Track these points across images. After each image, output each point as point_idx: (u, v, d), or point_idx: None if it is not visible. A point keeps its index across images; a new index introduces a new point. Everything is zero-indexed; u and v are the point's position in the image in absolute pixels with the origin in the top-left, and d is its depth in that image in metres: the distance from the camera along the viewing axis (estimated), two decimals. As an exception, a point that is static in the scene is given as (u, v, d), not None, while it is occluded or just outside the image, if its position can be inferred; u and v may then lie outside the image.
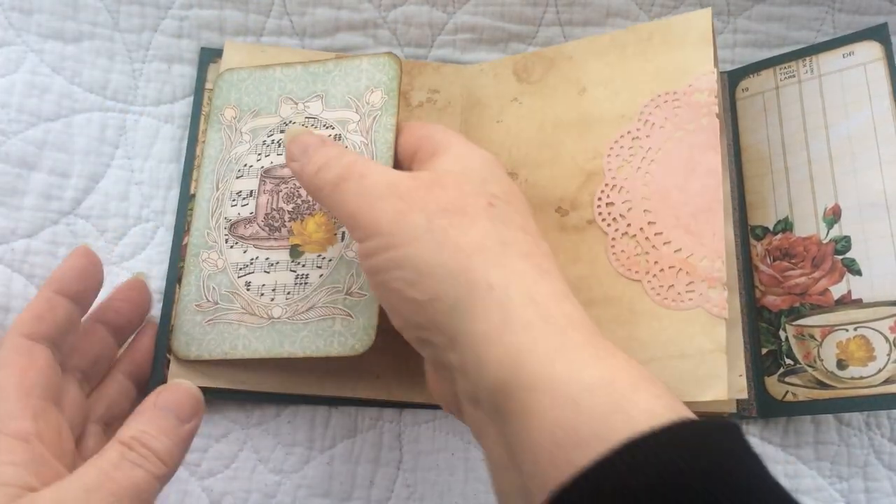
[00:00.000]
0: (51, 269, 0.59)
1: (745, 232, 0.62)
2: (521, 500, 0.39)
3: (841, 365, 0.56)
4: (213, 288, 0.58)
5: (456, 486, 0.57)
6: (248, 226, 0.59)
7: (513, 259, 0.43)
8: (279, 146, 0.60)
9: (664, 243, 0.55)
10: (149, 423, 0.47)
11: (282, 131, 0.60)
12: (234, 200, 0.60)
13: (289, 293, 0.57)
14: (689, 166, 0.55)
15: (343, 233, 0.57)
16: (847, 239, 0.58)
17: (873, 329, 0.56)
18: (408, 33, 0.67)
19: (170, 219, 0.63)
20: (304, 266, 0.57)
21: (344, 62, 0.61)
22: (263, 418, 0.60)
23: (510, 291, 0.41)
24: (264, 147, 0.60)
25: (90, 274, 0.53)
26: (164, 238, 0.62)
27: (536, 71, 0.62)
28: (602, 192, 0.57)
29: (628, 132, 0.58)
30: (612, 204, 0.57)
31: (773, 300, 0.60)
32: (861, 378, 0.56)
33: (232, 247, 0.59)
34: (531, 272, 0.42)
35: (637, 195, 0.56)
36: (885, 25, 0.62)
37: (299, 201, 0.59)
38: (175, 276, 0.61)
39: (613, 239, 0.56)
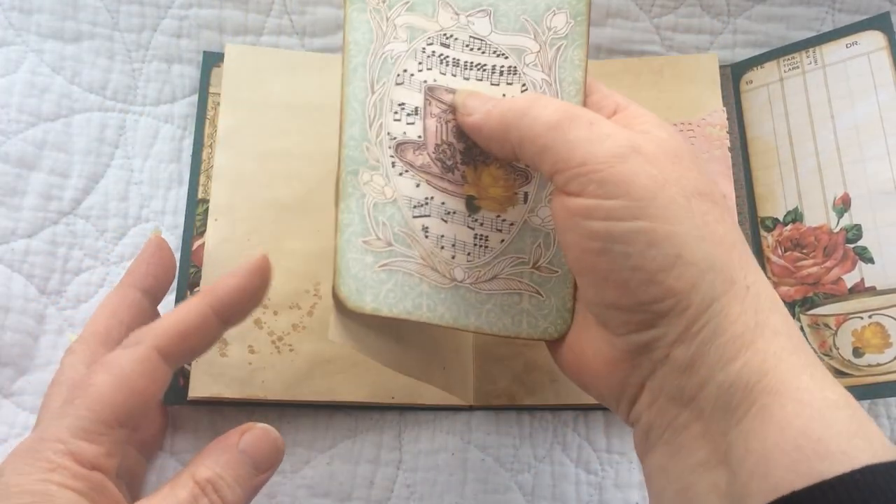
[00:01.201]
0: (51, 269, 0.59)
1: (756, 224, 0.63)
2: (717, 499, 0.38)
3: (857, 353, 0.57)
4: (384, 223, 0.47)
5: (456, 486, 0.57)
6: (417, 152, 0.48)
7: (752, 259, 0.41)
8: (442, 63, 0.49)
9: None
10: (226, 467, 0.43)
11: (443, 44, 0.49)
12: (396, 113, 0.48)
13: (469, 254, 0.48)
14: None
15: (525, 194, 0.49)
16: (858, 227, 0.59)
17: (889, 316, 0.57)
18: (408, 33, 0.67)
19: (170, 219, 0.62)
20: (482, 225, 0.49)
21: None
22: (264, 418, 0.59)
23: (761, 296, 0.40)
24: (424, 57, 0.49)
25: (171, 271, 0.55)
26: (164, 238, 0.62)
27: None
28: None
29: None
30: None
31: (786, 290, 0.61)
32: (878, 365, 0.56)
33: (401, 174, 0.48)
34: (764, 277, 0.41)
35: None
36: (887, 15, 0.62)
37: (470, 142, 0.49)
38: (186, 282, 0.58)
39: None
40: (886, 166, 0.59)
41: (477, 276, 0.48)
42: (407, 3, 0.49)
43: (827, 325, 0.58)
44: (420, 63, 0.48)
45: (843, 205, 0.60)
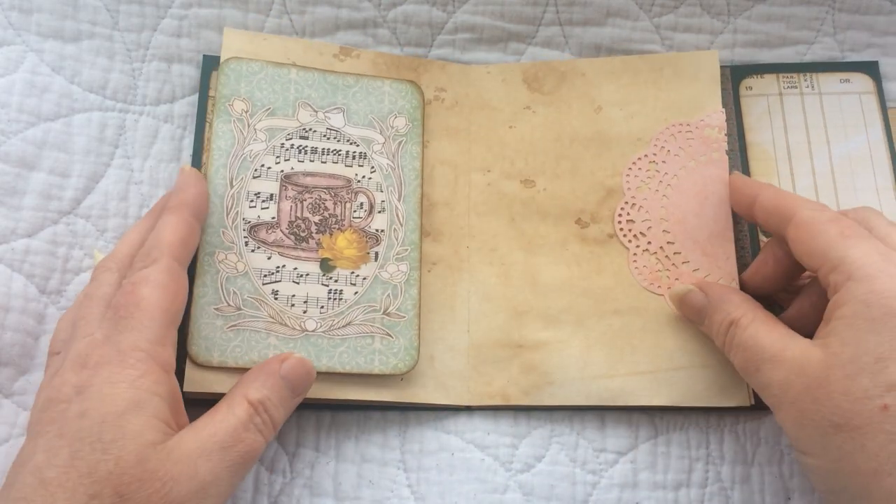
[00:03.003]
0: (51, 268, 0.59)
1: (755, 226, 0.63)
2: None
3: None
4: (235, 292, 0.57)
5: (456, 486, 0.57)
6: (270, 231, 0.58)
7: None
8: (300, 152, 0.60)
9: (683, 262, 0.59)
10: (272, 390, 0.50)
11: (302, 136, 0.60)
12: (252, 201, 0.59)
13: (322, 307, 0.57)
14: (703, 194, 0.60)
15: (376, 253, 0.59)
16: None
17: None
18: (407, 32, 0.67)
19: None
20: (336, 281, 0.58)
21: (365, 80, 0.62)
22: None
23: None
24: (283, 150, 0.60)
25: (207, 197, 0.57)
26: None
27: (548, 82, 0.65)
28: (622, 209, 0.61)
29: (645, 155, 0.62)
30: (632, 221, 0.60)
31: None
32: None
33: (254, 251, 0.58)
34: None
35: (656, 215, 0.60)
36: (876, 63, 0.67)
37: (326, 214, 0.59)
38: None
39: (635, 254, 0.60)
40: (875, 201, 0.62)
41: (331, 325, 0.57)
42: (268, 109, 0.60)
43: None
44: (278, 157, 0.60)
45: (839, 226, 0.61)
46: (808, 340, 0.48)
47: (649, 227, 0.60)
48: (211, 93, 0.63)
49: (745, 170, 0.63)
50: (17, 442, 0.55)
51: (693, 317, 0.56)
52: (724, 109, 0.62)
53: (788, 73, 0.66)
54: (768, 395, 0.48)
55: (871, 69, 0.66)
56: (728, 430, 0.59)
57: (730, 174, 0.60)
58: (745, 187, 0.57)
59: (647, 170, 0.61)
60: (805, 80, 0.66)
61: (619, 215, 0.61)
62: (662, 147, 0.62)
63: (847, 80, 0.66)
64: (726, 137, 0.61)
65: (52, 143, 0.61)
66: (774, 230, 0.54)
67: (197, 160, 0.62)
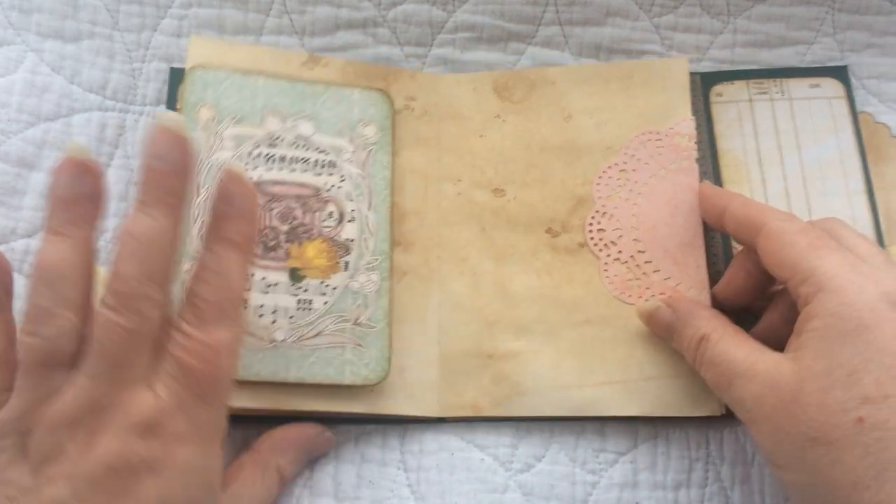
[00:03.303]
0: (50, 269, 0.59)
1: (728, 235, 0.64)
2: None
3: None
4: None
5: (456, 486, 0.57)
6: None
7: (892, 485, 0.42)
8: (267, 160, 0.59)
9: (654, 271, 0.59)
10: (300, 464, 0.57)
11: (270, 145, 0.59)
12: None
13: (292, 317, 0.56)
14: (673, 203, 0.60)
15: (346, 262, 0.58)
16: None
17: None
18: (407, 32, 0.67)
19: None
20: (306, 291, 0.57)
21: (333, 89, 0.62)
22: (266, 419, 0.60)
23: None
24: (251, 159, 0.59)
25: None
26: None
27: (518, 91, 0.65)
28: (593, 217, 0.61)
29: (615, 164, 0.62)
30: (602, 230, 0.60)
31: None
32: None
33: None
34: None
35: (626, 224, 0.60)
36: (845, 68, 0.67)
37: (295, 223, 0.58)
38: None
39: (606, 263, 0.60)
40: (847, 205, 0.62)
41: (301, 335, 0.56)
42: (235, 117, 0.59)
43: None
44: (245, 164, 0.58)
45: (810, 230, 0.61)
46: (779, 354, 0.48)
47: (620, 236, 0.60)
48: (178, 105, 0.63)
49: (717, 177, 0.64)
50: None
51: (661, 333, 0.56)
52: (693, 117, 0.62)
53: (758, 80, 0.66)
54: (742, 410, 0.48)
55: (840, 74, 0.66)
56: (728, 431, 0.59)
57: (699, 183, 0.60)
58: (715, 198, 0.57)
59: (618, 178, 0.61)
60: (775, 86, 0.66)
61: (590, 224, 0.60)
62: (633, 155, 0.61)
63: (817, 86, 0.66)
64: (696, 146, 0.61)
65: (52, 143, 0.61)
66: (745, 241, 0.54)
67: None
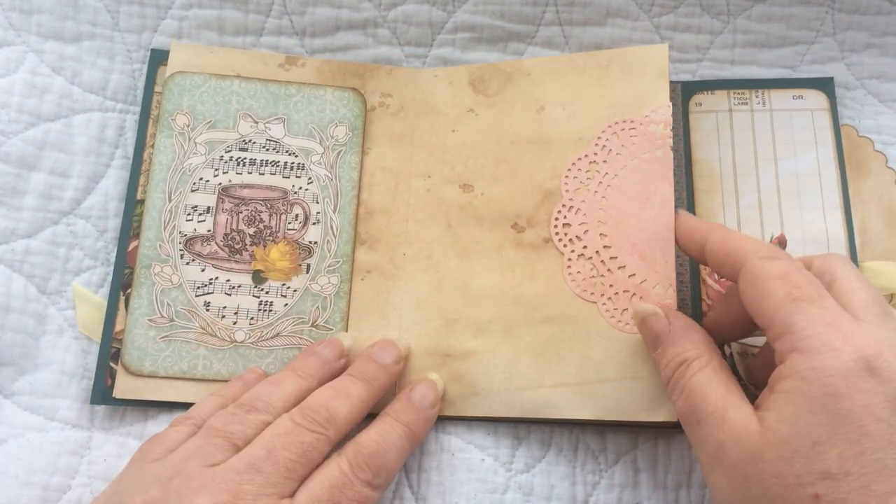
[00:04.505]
0: (51, 269, 0.60)
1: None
2: None
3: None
4: (168, 304, 0.59)
5: (456, 486, 0.57)
6: (205, 244, 0.60)
7: None
8: (238, 164, 0.61)
9: (619, 268, 0.57)
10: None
11: (241, 148, 0.61)
12: (189, 215, 0.60)
13: (252, 318, 0.59)
14: (644, 195, 0.57)
15: (308, 265, 0.60)
16: (792, 266, 0.59)
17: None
18: (407, 32, 0.67)
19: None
20: (267, 293, 0.59)
21: (307, 89, 0.63)
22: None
23: None
24: (222, 163, 0.61)
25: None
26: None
27: (493, 84, 0.64)
28: (559, 212, 0.59)
29: (585, 155, 0.59)
30: (568, 225, 0.59)
31: (720, 316, 0.61)
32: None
33: (188, 263, 0.60)
34: None
35: (594, 218, 0.58)
36: (831, 80, 0.64)
37: (261, 226, 0.60)
38: (119, 282, 0.60)
39: (570, 260, 0.58)
40: (821, 218, 0.60)
41: (260, 336, 0.59)
42: (209, 122, 0.62)
43: (755, 356, 0.58)
44: (216, 169, 0.61)
45: (780, 244, 0.60)
46: (751, 407, 0.45)
47: (586, 231, 0.58)
48: (157, 88, 0.64)
49: (690, 187, 0.62)
50: (17, 442, 0.57)
51: (648, 340, 0.54)
52: (670, 104, 0.59)
53: (740, 90, 0.64)
54: (703, 452, 0.46)
55: (825, 86, 0.64)
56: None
57: (676, 212, 0.56)
58: (693, 231, 0.54)
59: (587, 170, 0.59)
60: (756, 97, 0.64)
61: (556, 219, 0.59)
62: (604, 146, 0.59)
63: (800, 97, 0.63)
64: (671, 133, 0.58)
65: (53, 143, 0.62)
66: (728, 278, 0.51)
67: (138, 158, 0.63)
